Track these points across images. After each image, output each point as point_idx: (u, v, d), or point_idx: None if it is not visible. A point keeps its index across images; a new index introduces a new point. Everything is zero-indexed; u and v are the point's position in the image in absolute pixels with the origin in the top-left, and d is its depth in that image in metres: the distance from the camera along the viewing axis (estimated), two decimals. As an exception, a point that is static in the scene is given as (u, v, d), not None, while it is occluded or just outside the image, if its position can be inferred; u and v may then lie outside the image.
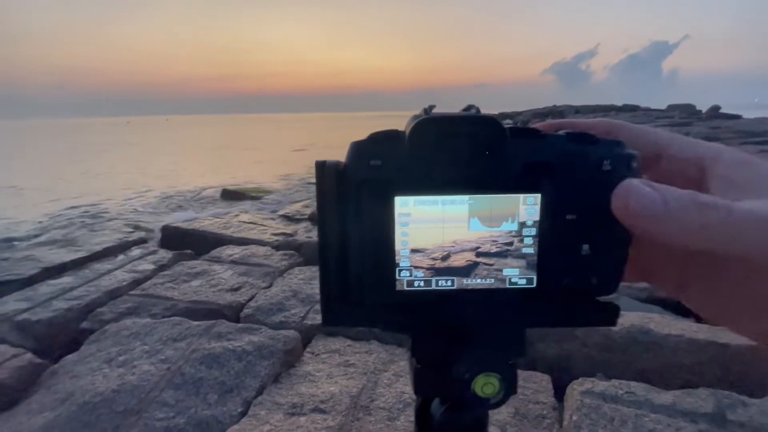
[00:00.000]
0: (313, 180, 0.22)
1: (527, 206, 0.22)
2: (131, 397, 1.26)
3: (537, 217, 0.22)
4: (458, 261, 0.23)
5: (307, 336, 1.63)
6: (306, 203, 4.19)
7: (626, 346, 1.43)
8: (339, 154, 0.23)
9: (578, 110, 26.30)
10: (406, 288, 0.23)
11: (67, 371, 1.42)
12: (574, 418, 1.12)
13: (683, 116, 14.60)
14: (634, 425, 1.08)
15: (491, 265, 0.23)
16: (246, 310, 1.82)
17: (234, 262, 2.37)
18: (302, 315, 1.76)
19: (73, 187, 7.30)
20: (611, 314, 0.24)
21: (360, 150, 0.22)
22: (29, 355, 1.46)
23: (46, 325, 1.77)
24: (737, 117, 14.30)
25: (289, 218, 3.66)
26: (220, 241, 2.84)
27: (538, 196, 0.22)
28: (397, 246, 0.22)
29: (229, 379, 1.33)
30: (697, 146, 0.22)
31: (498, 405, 0.23)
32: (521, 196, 0.22)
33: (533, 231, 0.22)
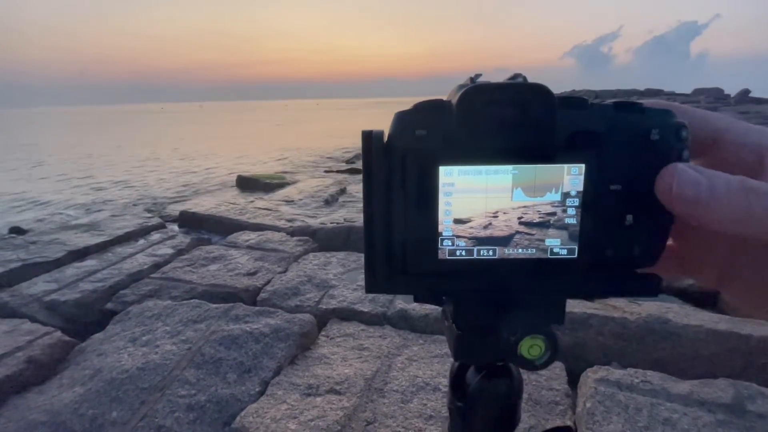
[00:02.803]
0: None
1: (572, 176, 0.22)
2: (155, 375, 1.31)
3: (581, 188, 0.22)
4: (500, 231, 0.23)
5: (322, 320, 1.66)
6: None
7: (642, 335, 1.41)
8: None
9: (598, 95, 25.49)
10: (448, 257, 0.23)
11: (94, 349, 1.48)
12: (588, 405, 1.12)
13: (710, 100, 13.98)
14: (649, 413, 1.07)
15: (533, 235, 0.23)
16: (262, 294, 1.86)
17: (250, 247, 2.41)
18: (317, 299, 1.79)
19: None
20: (654, 285, 0.23)
21: (405, 120, 0.22)
22: (59, 333, 1.54)
23: (74, 306, 1.85)
24: (768, 101, 13.62)
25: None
26: (238, 226, 2.90)
27: (583, 166, 0.22)
28: (440, 215, 0.23)
29: (248, 360, 1.37)
30: (756, 133, 0.21)
31: (544, 366, 0.23)
32: (566, 166, 0.22)
33: (577, 201, 0.22)
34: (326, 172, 6.45)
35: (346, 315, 1.69)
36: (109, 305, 1.87)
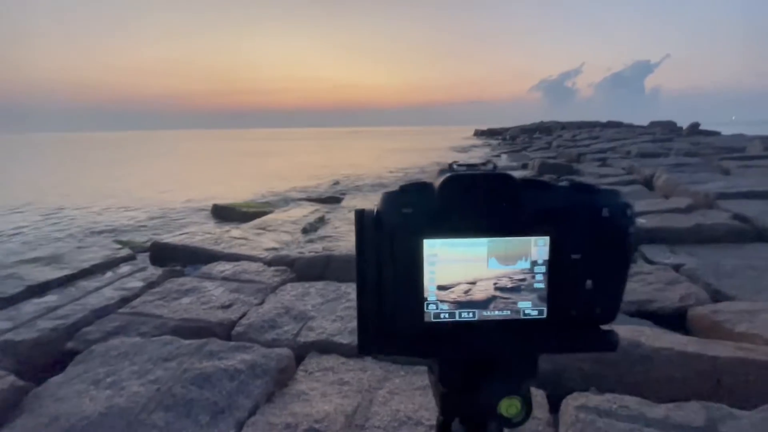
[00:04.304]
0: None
1: (538, 247, 0.25)
2: (119, 420, 1.22)
3: (547, 257, 0.26)
4: (479, 295, 0.26)
5: (300, 353, 1.61)
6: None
7: (618, 359, 1.45)
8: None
9: (564, 126, 26.96)
10: (433, 319, 0.26)
11: (52, 394, 1.37)
12: (570, 433, 1.12)
13: (665, 132, 15.06)
14: (628, 440, 1.08)
15: (507, 298, 0.26)
16: (238, 328, 1.79)
17: (225, 279, 2.34)
18: (295, 332, 1.74)
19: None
20: (612, 341, 0.27)
21: (392, 199, 0.25)
22: (12, 378, 1.42)
23: (31, 346, 1.72)
24: (716, 133, 14.80)
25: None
26: (213, 257, 2.82)
27: (547, 238, 0.25)
28: (426, 282, 0.26)
29: (221, 400, 1.30)
30: None
31: (520, 423, 0.26)
32: (533, 238, 0.25)
33: (544, 269, 0.26)
34: (304, 200, 6.43)
35: (326, 348, 1.65)
36: (70, 344, 1.74)
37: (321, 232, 3.89)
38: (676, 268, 2.31)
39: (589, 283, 0.26)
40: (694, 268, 2.26)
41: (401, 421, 1.22)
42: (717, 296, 1.99)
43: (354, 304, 1.95)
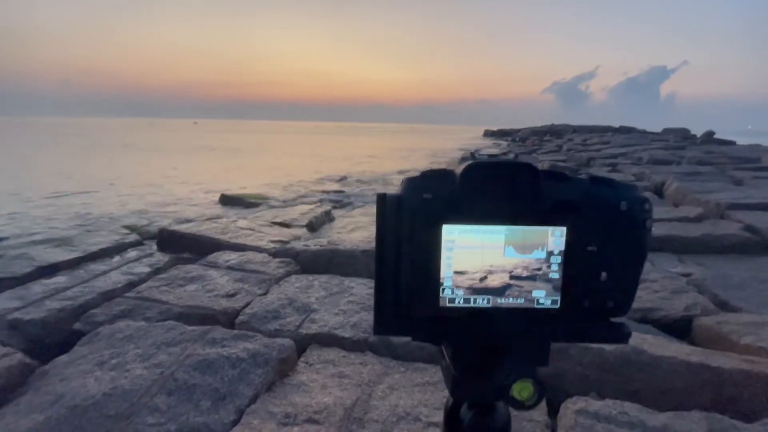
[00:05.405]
0: None
1: (555, 237, 0.26)
2: (122, 402, 1.24)
3: (563, 247, 0.26)
4: (494, 282, 0.26)
5: (302, 345, 1.63)
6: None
7: (620, 365, 1.44)
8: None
9: (575, 130, 26.68)
10: (447, 304, 0.27)
11: (58, 373, 1.40)
12: (568, 437, 1.11)
13: (678, 140, 14.84)
14: (627, 446, 1.08)
15: (522, 287, 0.26)
16: (241, 317, 1.81)
17: (230, 268, 2.36)
18: (297, 324, 1.75)
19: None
20: (624, 333, 0.28)
21: (414, 184, 0.25)
22: (19, 355, 1.45)
23: (38, 325, 1.76)
24: (731, 143, 14.55)
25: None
26: (217, 246, 2.84)
27: (564, 229, 0.26)
28: (442, 267, 0.26)
29: (223, 387, 1.32)
30: None
31: (533, 407, 0.26)
32: (550, 228, 0.26)
33: (559, 259, 0.26)
34: (311, 193, 6.45)
35: (327, 340, 1.66)
36: (77, 325, 1.78)
37: (327, 226, 3.91)
38: (684, 277, 2.29)
39: (603, 275, 0.26)
40: (701, 278, 2.24)
41: (400, 416, 1.23)
42: (724, 307, 1.97)
43: (357, 299, 1.96)
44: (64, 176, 8.33)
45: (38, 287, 2.05)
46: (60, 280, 2.15)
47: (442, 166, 0.29)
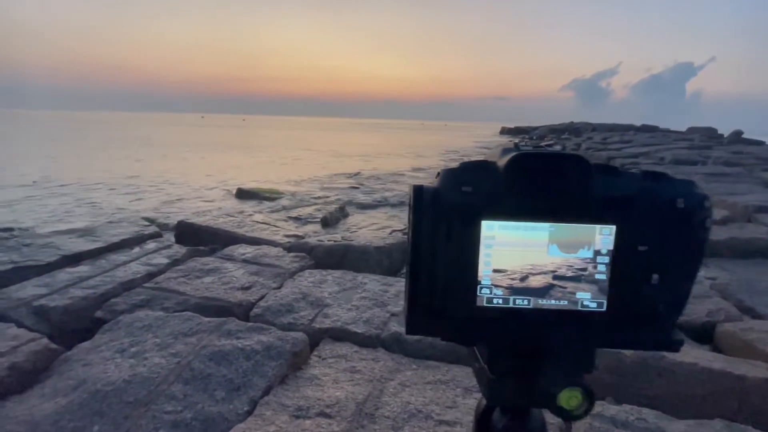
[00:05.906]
0: None
1: (603, 236, 0.24)
2: (141, 389, 1.28)
3: (611, 246, 0.24)
4: (536, 282, 0.25)
5: (315, 339, 1.64)
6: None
7: (637, 371, 1.40)
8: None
9: (595, 128, 26.04)
10: (485, 304, 0.25)
11: (81, 359, 1.45)
12: (582, 441, 1.09)
13: (704, 139, 14.32)
14: (643, 453, 1.05)
15: (565, 288, 0.25)
16: (256, 310, 1.84)
17: (246, 261, 2.40)
18: (311, 318, 1.77)
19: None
20: (675, 341, 0.26)
21: (452, 176, 0.24)
22: (45, 340, 1.50)
23: (63, 312, 1.82)
24: (760, 143, 13.96)
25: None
26: (233, 239, 2.89)
27: (614, 227, 0.24)
28: (480, 265, 0.25)
29: (237, 377, 1.34)
30: None
31: (581, 417, 0.24)
32: (598, 226, 0.24)
33: (607, 259, 0.24)
34: (326, 189, 6.49)
35: (340, 335, 1.67)
36: (98, 313, 1.83)
37: (341, 221, 3.93)
38: (707, 281, 2.22)
39: (655, 277, 0.24)
40: (725, 283, 2.16)
41: (411, 413, 1.23)
42: (749, 314, 1.90)
43: (369, 294, 1.96)
44: (96, 170, 8.59)
45: (63, 275, 2.12)
46: (83, 269, 2.22)
47: (481, 158, 0.27)
